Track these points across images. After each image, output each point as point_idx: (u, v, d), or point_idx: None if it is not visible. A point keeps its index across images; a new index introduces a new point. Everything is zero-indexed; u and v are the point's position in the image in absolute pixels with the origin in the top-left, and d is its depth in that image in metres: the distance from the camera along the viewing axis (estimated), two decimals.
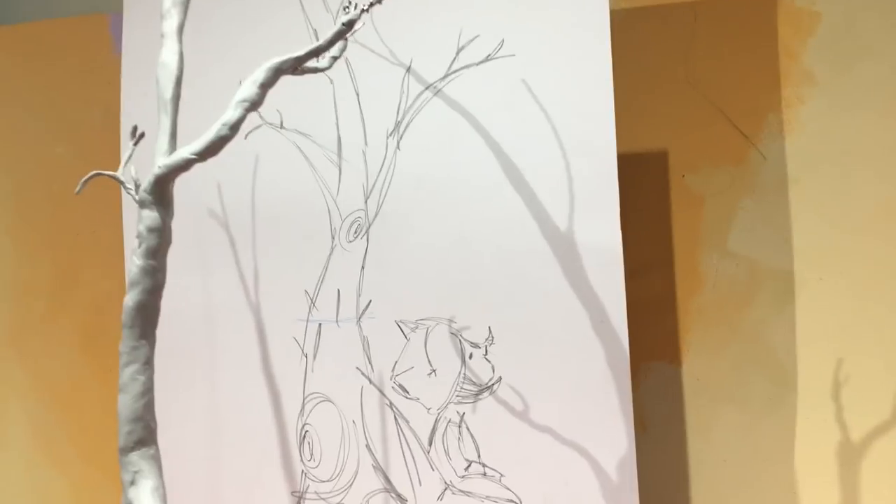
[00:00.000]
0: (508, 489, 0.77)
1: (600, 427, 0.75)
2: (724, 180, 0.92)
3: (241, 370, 0.82)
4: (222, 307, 0.83)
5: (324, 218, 0.81)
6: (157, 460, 0.50)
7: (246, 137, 0.82)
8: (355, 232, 0.80)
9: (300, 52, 0.47)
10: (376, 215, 0.79)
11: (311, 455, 0.81)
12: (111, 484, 1.06)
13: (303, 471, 0.81)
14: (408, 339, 0.79)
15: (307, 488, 0.81)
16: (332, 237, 0.81)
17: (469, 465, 0.78)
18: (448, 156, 0.78)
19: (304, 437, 0.81)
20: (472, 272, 0.77)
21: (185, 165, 0.48)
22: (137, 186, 0.55)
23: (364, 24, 0.51)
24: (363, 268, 0.80)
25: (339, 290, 0.81)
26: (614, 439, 0.75)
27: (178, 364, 0.84)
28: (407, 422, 0.79)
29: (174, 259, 0.82)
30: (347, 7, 0.48)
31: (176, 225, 0.82)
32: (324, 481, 0.81)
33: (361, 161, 0.79)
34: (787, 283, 0.90)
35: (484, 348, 0.77)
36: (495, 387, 0.77)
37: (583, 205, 0.75)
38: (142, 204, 0.48)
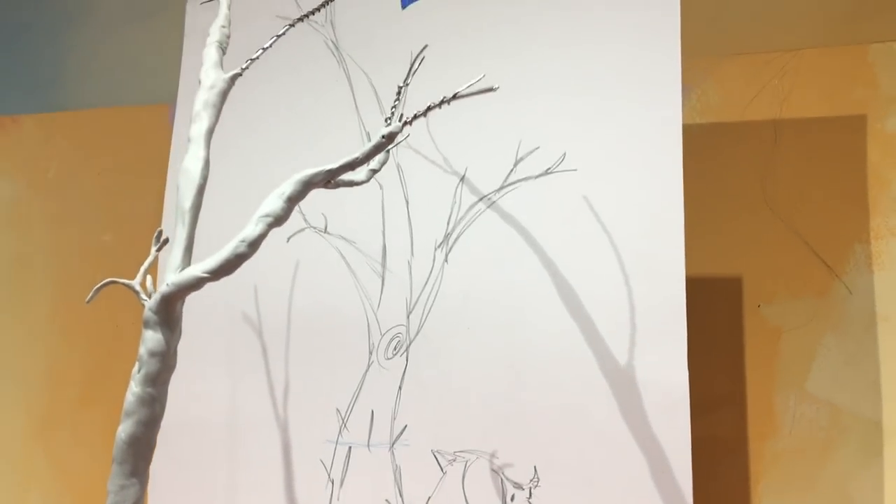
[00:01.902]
0: None
1: None
2: (805, 314, 0.83)
3: (263, 491, 0.76)
4: (248, 419, 0.77)
5: (362, 331, 0.75)
6: None
7: (288, 241, 0.77)
8: (395, 349, 0.74)
9: (333, 166, 0.42)
10: (418, 332, 0.73)
11: None
12: None
13: None
14: (444, 472, 0.71)
15: None
16: (370, 353, 0.74)
17: None
18: (499, 273, 0.72)
19: None
20: (518, 404, 0.70)
21: (197, 284, 0.43)
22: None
23: (408, 135, 0.46)
24: (400, 388, 0.73)
25: (372, 412, 0.74)
26: None
27: (196, 476, 0.77)
28: None
29: (202, 363, 0.78)
30: (389, 119, 0.43)
31: (208, 327, 0.77)
32: None
33: (406, 273, 0.74)
34: (874, 433, 0.80)
35: (528, 490, 0.69)
36: None
37: (646, 335, 0.67)
38: (146, 324, 0.43)
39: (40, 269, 1.09)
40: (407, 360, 0.73)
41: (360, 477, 0.74)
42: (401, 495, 0.72)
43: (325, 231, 0.77)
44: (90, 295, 0.54)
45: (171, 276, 0.43)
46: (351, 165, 0.43)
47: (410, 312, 0.74)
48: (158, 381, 0.43)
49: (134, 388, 0.43)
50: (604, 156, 0.71)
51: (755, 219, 0.86)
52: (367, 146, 0.43)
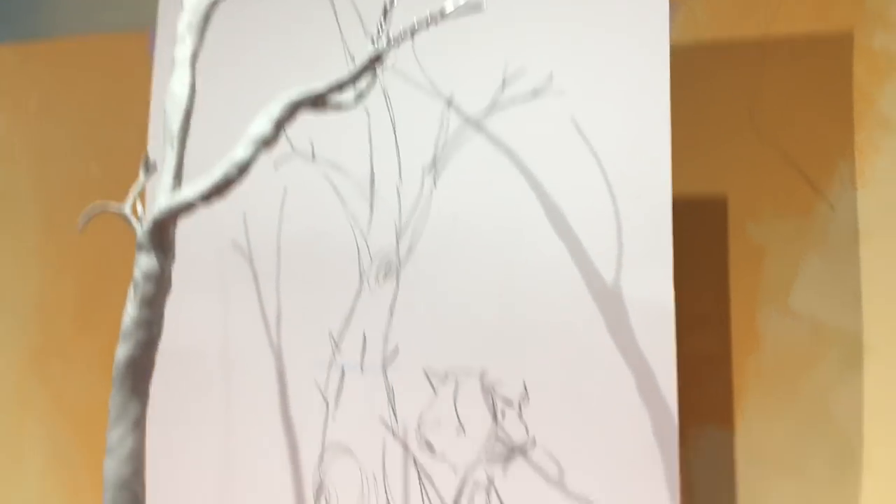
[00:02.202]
0: None
1: (643, 498, 0.68)
2: (789, 232, 0.84)
3: (258, 414, 0.77)
4: (241, 346, 0.78)
5: (352, 257, 0.75)
6: None
7: (276, 168, 0.77)
8: (385, 273, 0.75)
9: (320, 85, 0.42)
10: (408, 256, 0.74)
11: None
12: None
13: None
14: (436, 392, 0.73)
15: None
16: (361, 277, 0.75)
17: None
18: (487, 196, 0.72)
19: (321, 489, 0.76)
20: (507, 322, 0.71)
21: (188, 208, 0.43)
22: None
23: (396, 58, 0.46)
24: (392, 311, 0.74)
25: (364, 334, 0.75)
26: None
27: (191, 404, 0.79)
28: (431, 481, 0.73)
29: (193, 293, 0.79)
30: (376, 39, 0.43)
31: (197, 256, 0.78)
32: None
33: (395, 198, 0.74)
34: (854, 347, 0.82)
35: (518, 406, 0.71)
36: (528, 449, 0.71)
37: (633, 254, 0.69)
38: (139, 248, 0.43)
39: (26, 201, 1.09)
40: (398, 284, 0.74)
41: (354, 398, 0.75)
42: (394, 414, 0.74)
43: (313, 158, 0.77)
44: (81, 223, 0.54)
45: (163, 200, 0.43)
46: (339, 85, 0.43)
47: (400, 237, 0.74)
48: (154, 303, 0.44)
49: (130, 312, 0.44)
50: (591, 77, 0.71)
51: (741, 138, 0.86)
52: (355, 67, 0.43)
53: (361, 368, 0.75)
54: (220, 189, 0.43)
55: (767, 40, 0.85)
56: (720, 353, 0.84)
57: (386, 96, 0.75)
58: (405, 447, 0.74)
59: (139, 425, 0.45)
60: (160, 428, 0.79)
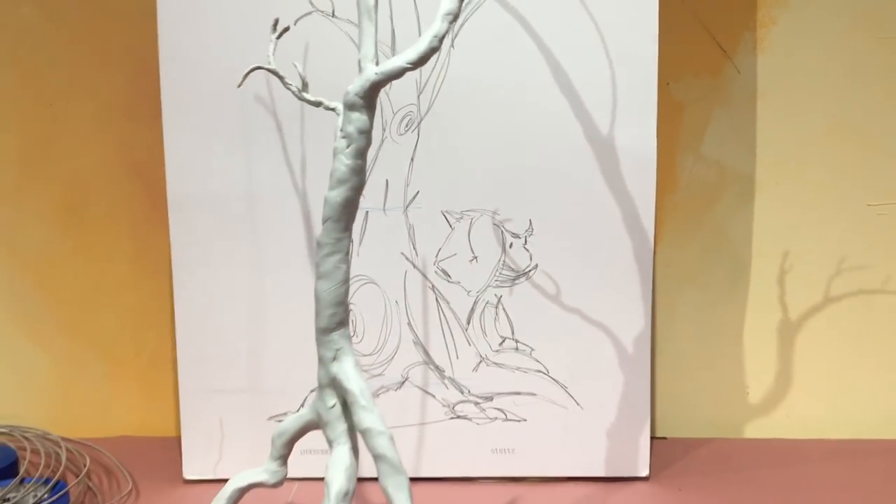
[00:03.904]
0: (538, 361, 0.87)
1: (622, 310, 0.86)
2: (703, 90, 1.02)
3: (285, 256, 0.85)
4: (267, 192, 0.85)
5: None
6: (350, 339, 0.55)
7: (295, 23, 0.82)
8: (406, 125, 0.84)
9: None
10: (428, 111, 0.83)
11: (354, 332, 0.87)
12: (92, 357, 1.06)
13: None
14: (452, 228, 0.85)
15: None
16: (383, 129, 0.84)
17: (503, 342, 0.87)
18: (500, 58, 0.82)
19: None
20: (516, 169, 0.84)
21: (400, 73, 0.51)
22: (304, 85, 0.57)
23: None
24: (412, 160, 0.84)
25: (387, 180, 0.85)
26: (634, 320, 0.86)
27: (218, 247, 0.85)
28: (447, 303, 0.86)
29: (218, 143, 0.83)
30: None
31: (221, 110, 0.82)
32: (365, 355, 0.87)
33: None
34: (748, 185, 1.03)
35: (524, 238, 0.85)
36: (531, 273, 0.86)
37: (624, 111, 0.83)
38: (352, 107, 0.51)
39: None
40: (418, 135, 0.84)
41: (377, 236, 0.86)
42: (414, 249, 0.86)
43: (333, 15, 0.82)
44: (240, 80, 0.59)
45: (372, 66, 0.51)
46: None
47: (421, 93, 0.83)
48: (364, 154, 0.52)
49: (346, 161, 0.51)
50: None
51: (671, 11, 1.01)
52: None
53: (384, 210, 0.85)
54: (426, 57, 0.51)
55: None
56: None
57: None
58: (424, 276, 0.86)
59: (348, 255, 0.54)
60: (190, 268, 0.85)
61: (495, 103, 0.83)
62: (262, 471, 0.58)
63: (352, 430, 0.55)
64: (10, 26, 1.01)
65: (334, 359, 0.54)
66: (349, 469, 0.53)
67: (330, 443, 0.54)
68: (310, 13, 0.82)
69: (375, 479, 0.53)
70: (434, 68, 0.83)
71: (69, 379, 1.06)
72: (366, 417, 0.53)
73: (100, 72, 1.01)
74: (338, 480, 0.52)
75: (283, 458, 0.58)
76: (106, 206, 1.03)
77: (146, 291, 1.04)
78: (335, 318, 0.54)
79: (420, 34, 0.81)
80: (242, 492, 0.58)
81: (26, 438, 0.92)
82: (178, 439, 0.98)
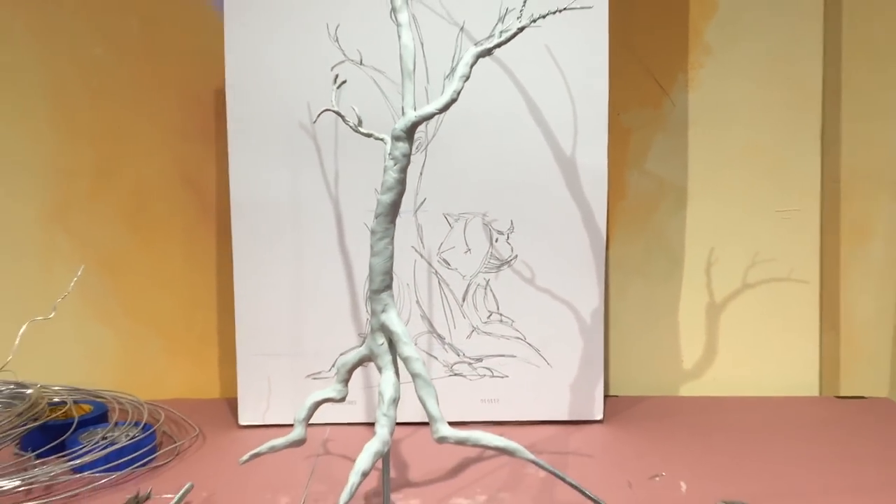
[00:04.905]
0: (517, 331, 1.12)
1: (583, 291, 1.12)
2: (646, 119, 1.29)
3: (323, 248, 1.10)
4: (308, 198, 1.09)
5: None
6: (394, 297, 0.79)
7: (332, 69, 1.06)
8: (417, 147, 1.09)
9: (491, 45, 0.75)
10: (433, 136, 1.08)
11: None
12: (151, 334, 1.28)
13: (367, 319, 1.11)
14: (451, 227, 1.10)
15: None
16: None
17: (490, 315, 1.12)
18: (490, 96, 1.08)
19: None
20: (501, 181, 1.09)
21: (431, 116, 0.76)
22: (359, 122, 0.82)
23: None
24: (421, 174, 1.09)
25: None
26: (592, 299, 1.12)
27: (269, 242, 1.09)
28: (447, 285, 1.11)
29: (268, 158, 1.07)
30: (520, 16, 0.77)
31: (272, 134, 1.06)
32: None
33: (424, 96, 1.07)
34: (682, 195, 1.29)
35: (506, 235, 1.10)
36: (513, 262, 1.11)
37: (582, 136, 1.09)
38: (397, 138, 0.75)
39: (32, 81, 1.23)
40: (426, 155, 1.09)
41: None
42: (422, 243, 1.10)
43: (361, 63, 1.07)
44: (315, 118, 0.83)
45: (411, 112, 0.75)
46: (502, 44, 0.76)
47: (428, 123, 1.08)
48: (405, 170, 0.76)
49: (393, 175, 0.76)
50: (557, 18, 1.07)
51: (620, 56, 1.27)
52: (510, 34, 0.76)
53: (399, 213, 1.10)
54: (447, 106, 0.75)
55: None
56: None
57: (415, 21, 1.06)
58: (429, 264, 1.11)
59: (393, 239, 0.78)
60: (246, 260, 1.09)
61: (486, 131, 1.08)
62: (331, 390, 0.81)
63: (394, 361, 0.79)
64: (86, 63, 1.24)
65: (383, 311, 0.79)
66: (395, 385, 0.76)
67: (380, 369, 0.78)
68: (342, 62, 1.07)
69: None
70: None
71: (132, 352, 1.28)
72: (405, 349, 0.77)
73: (160, 100, 1.25)
74: (388, 391, 0.76)
75: (345, 381, 0.82)
76: (164, 211, 1.27)
77: (196, 280, 1.28)
78: (384, 283, 0.79)
79: (427, 79, 1.06)
80: (318, 405, 0.81)
81: (104, 399, 1.14)
82: (224, 400, 1.22)
